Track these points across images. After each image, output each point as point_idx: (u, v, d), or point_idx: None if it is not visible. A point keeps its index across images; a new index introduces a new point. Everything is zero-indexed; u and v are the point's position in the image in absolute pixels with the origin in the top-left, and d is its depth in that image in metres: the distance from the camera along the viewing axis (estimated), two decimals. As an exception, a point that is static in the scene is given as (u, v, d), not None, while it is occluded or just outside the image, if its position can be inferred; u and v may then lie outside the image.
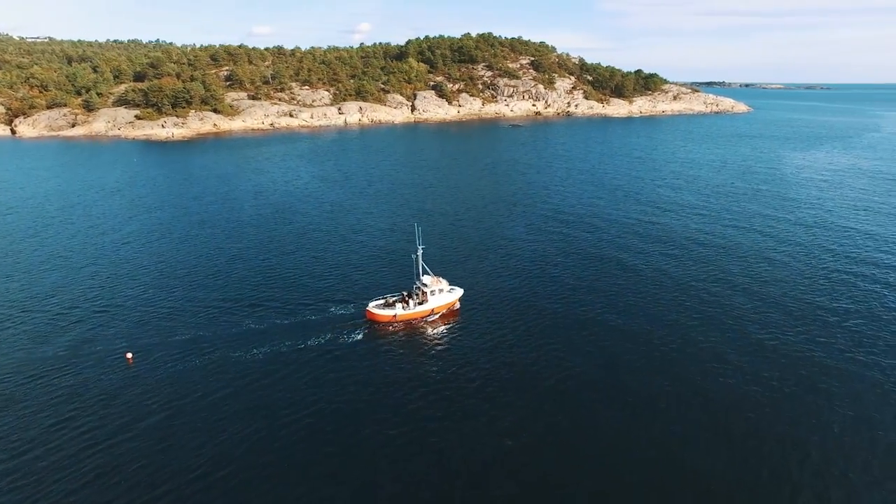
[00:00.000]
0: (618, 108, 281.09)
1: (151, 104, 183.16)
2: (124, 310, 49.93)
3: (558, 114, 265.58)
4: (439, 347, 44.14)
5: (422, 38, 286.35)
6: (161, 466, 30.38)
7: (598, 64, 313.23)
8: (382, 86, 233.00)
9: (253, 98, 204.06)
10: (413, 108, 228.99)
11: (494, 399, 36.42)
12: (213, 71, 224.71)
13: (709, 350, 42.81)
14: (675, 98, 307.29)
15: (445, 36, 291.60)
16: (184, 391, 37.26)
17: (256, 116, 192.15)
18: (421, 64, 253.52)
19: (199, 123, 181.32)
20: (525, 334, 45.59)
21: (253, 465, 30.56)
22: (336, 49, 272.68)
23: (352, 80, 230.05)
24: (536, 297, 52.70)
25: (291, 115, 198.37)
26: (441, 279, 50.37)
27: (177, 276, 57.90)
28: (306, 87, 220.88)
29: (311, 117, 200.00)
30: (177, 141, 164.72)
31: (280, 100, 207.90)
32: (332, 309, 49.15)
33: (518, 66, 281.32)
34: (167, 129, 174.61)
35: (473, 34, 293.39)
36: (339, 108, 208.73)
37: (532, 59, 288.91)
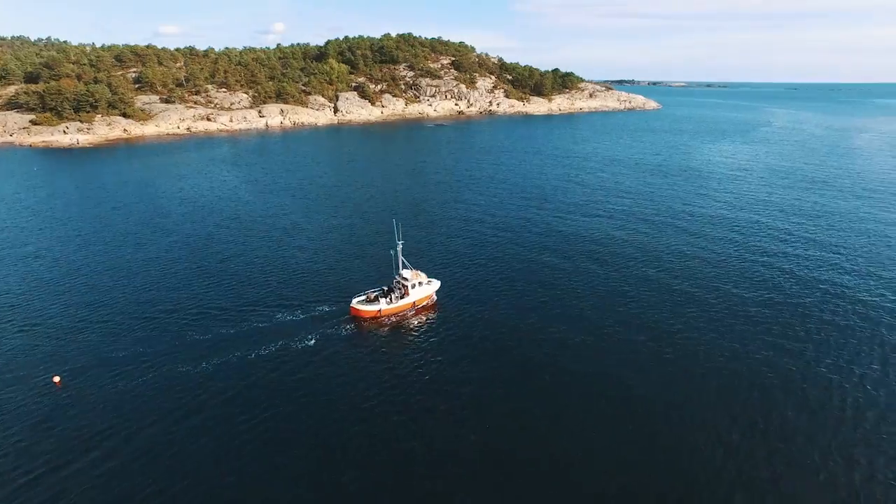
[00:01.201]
0: (538, 106, 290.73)
1: (49, 108, 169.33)
2: (47, 329, 46.60)
3: (481, 113, 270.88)
4: (429, 338, 45.40)
5: (341, 39, 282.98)
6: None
7: (517, 63, 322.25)
8: (303, 87, 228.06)
9: (166, 101, 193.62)
10: (336, 110, 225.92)
11: (486, 387, 37.78)
12: (120, 72, 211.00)
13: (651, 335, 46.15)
14: (591, 96, 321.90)
15: (365, 36, 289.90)
16: (125, 412, 35.24)
17: (171, 121, 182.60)
18: (342, 65, 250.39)
19: (107, 129, 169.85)
20: (497, 319, 47.90)
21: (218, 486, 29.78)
22: (252, 50, 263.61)
23: (271, 82, 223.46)
24: (482, 290, 54.53)
25: (209, 119, 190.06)
26: (420, 272, 51.41)
27: (103, 290, 54.55)
28: (223, 89, 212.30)
29: (231, 121, 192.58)
30: (83, 148, 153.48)
31: (196, 103, 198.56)
32: (279, 316, 48.39)
33: (439, 65, 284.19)
34: (70, 135, 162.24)
35: (393, 34, 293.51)
36: (260, 111, 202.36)
37: (453, 59, 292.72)
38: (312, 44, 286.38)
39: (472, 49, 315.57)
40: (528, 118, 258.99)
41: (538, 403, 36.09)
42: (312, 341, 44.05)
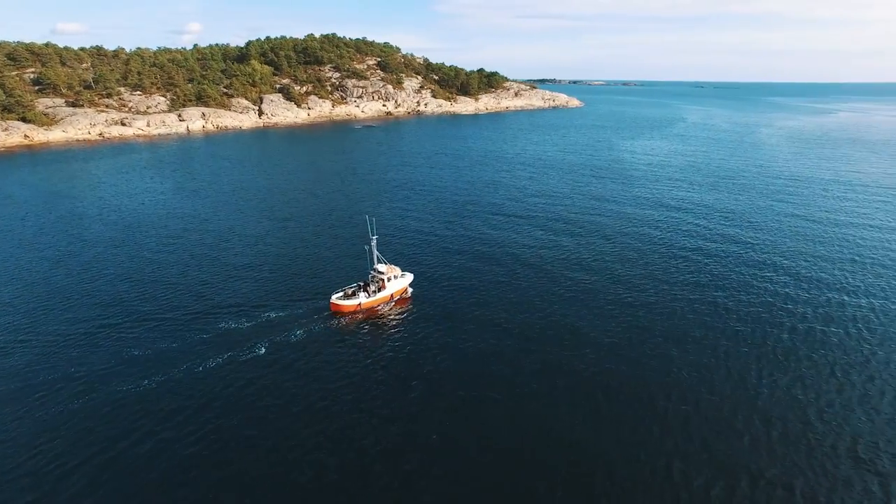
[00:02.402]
0: (465, 105, 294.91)
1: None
2: (-39, 355, 42.70)
3: (409, 113, 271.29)
4: (410, 330, 46.53)
5: (263, 39, 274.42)
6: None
7: (443, 64, 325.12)
8: (225, 90, 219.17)
9: (73, 105, 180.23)
10: (261, 113, 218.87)
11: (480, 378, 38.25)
12: (14, 73, 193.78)
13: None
14: (516, 95, 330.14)
15: (288, 37, 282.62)
16: (61, 444, 32.61)
17: (80, 126, 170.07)
18: (265, 66, 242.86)
19: (2, 135, 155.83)
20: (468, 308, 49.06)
21: None
22: (168, 50, 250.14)
23: (190, 84, 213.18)
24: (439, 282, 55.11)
25: (124, 124, 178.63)
26: (394, 266, 53.08)
27: (23, 310, 50.41)
28: (138, 92, 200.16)
29: (148, 125, 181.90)
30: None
31: (108, 107, 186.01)
32: (223, 324, 46.70)
33: (365, 66, 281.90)
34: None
35: (317, 35, 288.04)
36: (180, 115, 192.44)
37: (378, 59, 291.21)
38: (232, 44, 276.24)
39: (398, 50, 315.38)
40: (455, 118, 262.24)
41: (504, 386, 37.21)
42: (295, 338, 44.32)
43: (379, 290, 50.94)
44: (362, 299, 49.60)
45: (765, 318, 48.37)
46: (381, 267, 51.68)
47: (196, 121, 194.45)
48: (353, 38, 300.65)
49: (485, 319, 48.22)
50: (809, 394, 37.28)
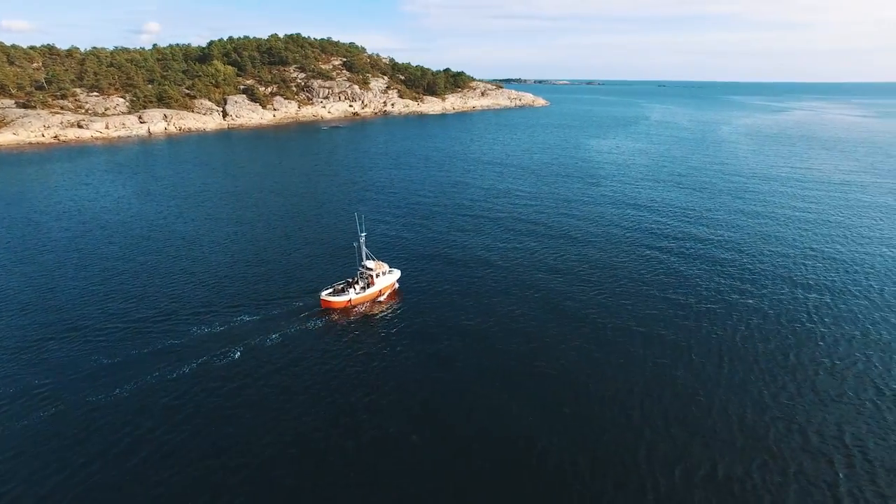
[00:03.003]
0: (432, 105, 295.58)
1: None
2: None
3: (376, 113, 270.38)
4: (401, 325, 47.78)
5: (225, 39, 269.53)
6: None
7: (409, 64, 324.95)
8: (187, 91, 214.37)
9: (25, 106, 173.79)
10: (225, 114, 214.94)
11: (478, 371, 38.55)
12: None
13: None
14: (483, 94, 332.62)
15: (251, 37, 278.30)
16: (26, 464, 32.06)
17: (33, 128, 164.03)
18: (228, 67, 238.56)
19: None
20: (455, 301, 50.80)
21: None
22: (126, 50, 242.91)
23: (150, 85, 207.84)
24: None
25: (81, 126, 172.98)
26: (382, 262, 53.73)
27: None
28: (95, 93, 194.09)
29: (107, 127, 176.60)
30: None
31: (63, 108, 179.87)
32: (194, 330, 46.16)
33: (331, 66, 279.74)
34: None
35: (281, 35, 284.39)
36: (140, 117, 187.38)
37: (344, 59, 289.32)
38: (194, 44, 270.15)
39: (363, 50, 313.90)
40: (423, 118, 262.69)
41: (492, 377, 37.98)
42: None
43: (368, 286, 51.61)
44: (352, 295, 50.10)
45: (721, 313, 50.43)
46: (369, 263, 52.28)
47: (158, 122, 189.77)
48: (318, 38, 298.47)
49: (460, 320, 49.04)
50: (762, 380, 39.11)
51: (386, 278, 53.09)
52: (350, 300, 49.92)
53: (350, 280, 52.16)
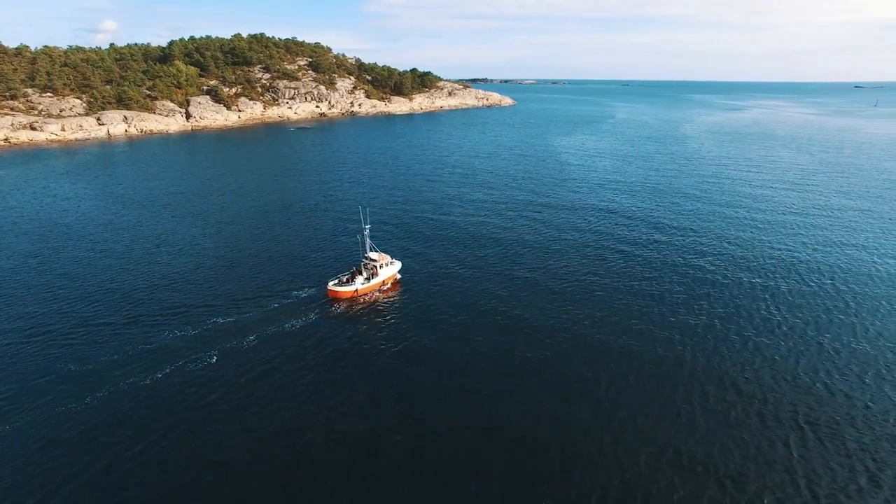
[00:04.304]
0: (400, 105, 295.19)
1: None
2: None
3: (343, 114, 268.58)
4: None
5: (187, 39, 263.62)
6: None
7: (375, 64, 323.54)
8: (148, 92, 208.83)
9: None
10: (188, 116, 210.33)
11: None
12: None
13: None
14: (450, 94, 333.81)
15: (214, 36, 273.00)
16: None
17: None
18: (190, 67, 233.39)
19: None
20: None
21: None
22: (81, 49, 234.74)
23: (109, 86, 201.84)
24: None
25: (34, 128, 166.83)
26: (384, 254, 56.14)
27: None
28: (49, 93, 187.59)
29: (63, 129, 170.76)
30: None
31: (14, 109, 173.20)
32: (168, 334, 45.43)
33: (296, 67, 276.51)
34: None
35: (244, 35, 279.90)
36: (99, 118, 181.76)
37: (310, 59, 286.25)
38: (154, 44, 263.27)
39: (329, 50, 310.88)
40: (390, 118, 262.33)
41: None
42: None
43: (372, 276, 53.60)
44: (358, 285, 52.14)
45: (690, 303, 52.22)
46: (373, 255, 54.50)
47: (118, 124, 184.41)
48: (283, 38, 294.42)
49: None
50: (727, 364, 40.77)
51: (388, 269, 55.35)
52: (356, 290, 51.99)
53: (353, 270, 54.16)
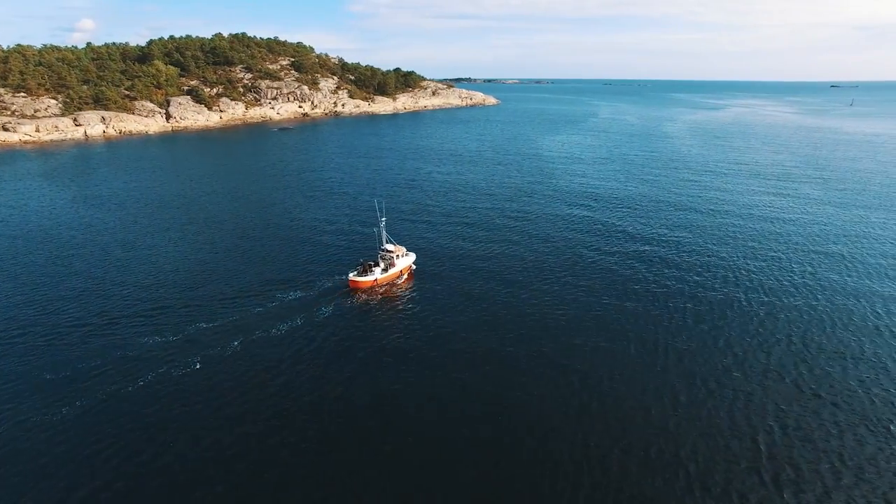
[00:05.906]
0: (383, 105, 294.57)
1: None
2: None
3: (326, 114, 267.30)
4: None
5: (167, 39, 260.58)
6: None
7: (358, 64, 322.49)
8: (127, 92, 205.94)
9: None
10: (169, 116, 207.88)
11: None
12: None
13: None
14: (434, 94, 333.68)
15: (194, 36, 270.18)
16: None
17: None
18: (170, 67, 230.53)
19: None
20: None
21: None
22: (56, 48, 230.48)
23: (86, 86, 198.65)
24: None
25: (6, 129, 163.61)
26: (400, 246, 58.82)
27: None
28: (22, 93, 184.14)
29: (38, 130, 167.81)
30: None
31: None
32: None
33: (279, 67, 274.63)
34: None
35: (226, 34, 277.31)
36: (75, 119, 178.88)
37: (292, 59, 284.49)
38: (132, 44, 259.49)
39: (312, 49, 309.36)
40: (374, 118, 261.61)
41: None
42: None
43: (390, 267, 56.50)
44: (377, 275, 55.02)
45: (661, 295, 52.91)
46: (389, 247, 57.25)
47: (95, 125, 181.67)
48: (265, 37, 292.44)
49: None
50: (698, 361, 41.39)
51: (404, 260, 58.17)
52: (376, 280, 54.79)
53: (371, 262, 56.32)
